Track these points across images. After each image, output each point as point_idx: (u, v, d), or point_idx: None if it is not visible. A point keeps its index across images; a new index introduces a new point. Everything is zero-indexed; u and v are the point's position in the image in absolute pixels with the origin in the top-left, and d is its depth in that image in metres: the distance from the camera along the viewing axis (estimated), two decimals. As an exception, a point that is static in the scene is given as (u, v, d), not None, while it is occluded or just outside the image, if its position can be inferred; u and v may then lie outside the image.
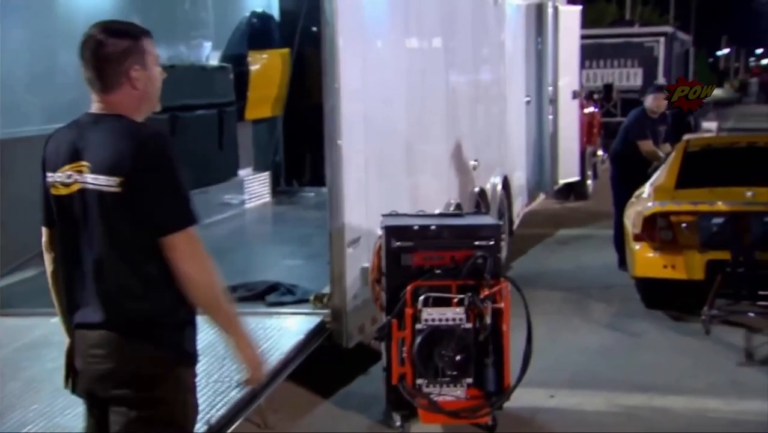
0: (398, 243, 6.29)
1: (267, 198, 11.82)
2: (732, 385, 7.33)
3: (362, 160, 7.15)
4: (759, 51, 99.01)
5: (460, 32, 9.96)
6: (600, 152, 18.84)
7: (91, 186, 3.49)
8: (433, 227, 6.37)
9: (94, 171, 3.49)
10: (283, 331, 6.69)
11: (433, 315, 6.10)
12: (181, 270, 3.45)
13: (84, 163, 3.52)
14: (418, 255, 6.26)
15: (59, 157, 3.58)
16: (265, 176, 11.88)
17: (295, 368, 6.37)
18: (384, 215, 6.67)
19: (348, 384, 7.23)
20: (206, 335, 6.41)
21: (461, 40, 10.04)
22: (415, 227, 6.36)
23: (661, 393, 7.16)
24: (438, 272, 6.21)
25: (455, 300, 6.13)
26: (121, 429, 3.55)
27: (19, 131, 7.99)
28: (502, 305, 6.18)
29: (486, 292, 6.14)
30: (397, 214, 6.73)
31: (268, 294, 7.27)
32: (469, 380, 6.15)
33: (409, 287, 6.14)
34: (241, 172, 11.42)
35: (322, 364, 6.92)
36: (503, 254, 11.15)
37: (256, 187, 11.62)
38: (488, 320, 6.10)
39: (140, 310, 3.55)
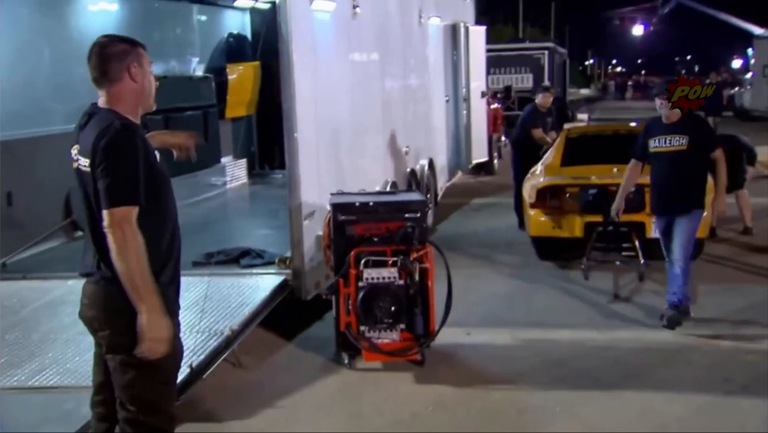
0: (343, 217, 5.94)
1: (244, 180, 11.39)
2: (605, 318, 7.11)
3: (314, 149, 6.78)
4: (614, 61, 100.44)
5: (392, 48, 9.55)
6: (503, 138, 18.64)
7: (80, 165, 3.31)
8: (371, 203, 6.03)
9: (80, 152, 3.31)
10: (254, 288, 6.33)
11: (372, 274, 5.79)
12: (108, 239, 3.18)
13: (78, 145, 3.33)
14: (359, 226, 5.92)
15: (74, 137, 3.39)
16: (242, 162, 11.47)
17: (264, 317, 6.05)
18: (332, 194, 6.32)
19: (307, 329, 6.82)
20: (190, 294, 6.06)
21: (393, 54, 9.63)
22: (357, 204, 6.02)
23: (552, 328, 6.91)
24: (375, 239, 5.87)
25: (390, 262, 5.81)
26: (114, 374, 3.35)
27: (45, 130, 7.53)
28: (427, 265, 5.89)
29: (415, 255, 5.84)
30: (343, 193, 6.40)
31: (242, 258, 6.90)
32: (402, 326, 5.84)
33: (352, 253, 5.82)
34: (223, 160, 11.01)
35: (286, 313, 6.53)
36: (430, 220, 10.97)
37: (235, 171, 11.21)
38: (417, 277, 5.82)
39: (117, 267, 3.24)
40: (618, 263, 8.33)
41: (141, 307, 3.19)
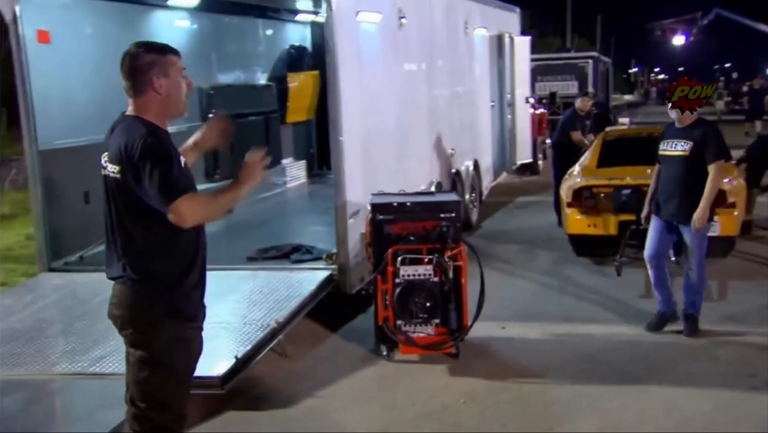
0: (381, 216, 5.69)
1: (303, 180, 11.18)
2: (635, 314, 6.68)
3: (359, 152, 6.57)
4: (657, 69, 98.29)
5: (438, 56, 9.28)
6: (547, 141, 18.19)
7: (108, 171, 3.13)
8: (408, 204, 5.77)
9: (108, 160, 3.12)
10: (302, 282, 6.10)
11: (408, 272, 5.52)
12: (186, 227, 3.07)
13: (107, 152, 3.14)
14: (397, 225, 5.65)
15: (104, 144, 3.20)
16: (302, 164, 11.27)
17: (313, 309, 5.85)
18: (373, 194, 6.06)
19: (351, 321, 6.58)
20: (242, 287, 5.91)
21: (439, 62, 9.35)
22: (395, 204, 5.76)
23: (584, 322, 6.54)
24: (412, 238, 5.59)
25: (425, 260, 5.53)
26: (131, 368, 3.20)
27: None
28: (461, 263, 5.58)
29: (449, 253, 5.54)
30: (383, 193, 6.13)
31: (293, 254, 6.70)
32: (437, 321, 5.56)
33: (390, 250, 5.55)
34: (284, 161, 10.81)
35: (334, 306, 6.35)
36: (475, 217, 10.66)
37: (295, 171, 11.01)
38: (451, 274, 5.51)
39: (142, 271, 3.12)
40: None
41: (243, 190, 3.19)
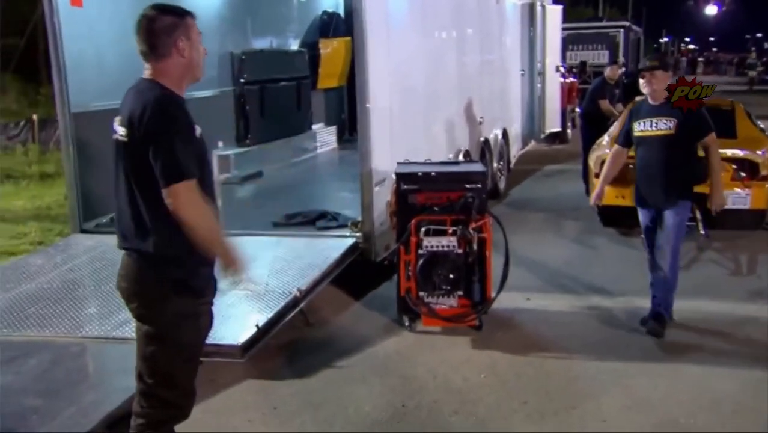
0: (406, 186, 5.36)
1: (334, 145, 10.89)
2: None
3: (387, 119, 6.22)
4: (688, 39, 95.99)
5: (468, 24, 8.89)
6: (577, 109, 17.65)
7: (117, 135, 2.88)
8: (433, 174, 5.42)
9: (119, 123, 2.88)
10: (327, 249, 5.83)
11: (432, 243, 5.18)
12: (177, 215, 2.74)
13: (119, 117, 2.88)
14: (421, 195, 5.31)
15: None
16: (332, 129, 10.97)
17: (338, 276, 5.57)
18: (398, 163, 5.73)
19: (376, 289, 6.30)
20: (265, 253, 5.64)
21: (469, 30, 8.95)
22: (419, 174, 5.41)
23: (610, 295, 6.19)
24: (436, 209, 5.25)
25: (449, 231, 5.19)
26: (138, 343, 2.98)
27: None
28: (485, 234, 5.22)
29: (473, 224, 5.19)
30: (409, 163, 5.79)
31: (318, 220, 6.42)
32: (460, 293, 5.23)
33: (413, 221, 5.22)
34: (315, 127, 10.52)
35: (360, 273, 6.07)
36: (503, 185, 10.30)
37: (326, 137, 10.72)
38: (475, 246, 5.16)
39: (147, 244, 2.84)
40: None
41: (225, 258, 2.89)
